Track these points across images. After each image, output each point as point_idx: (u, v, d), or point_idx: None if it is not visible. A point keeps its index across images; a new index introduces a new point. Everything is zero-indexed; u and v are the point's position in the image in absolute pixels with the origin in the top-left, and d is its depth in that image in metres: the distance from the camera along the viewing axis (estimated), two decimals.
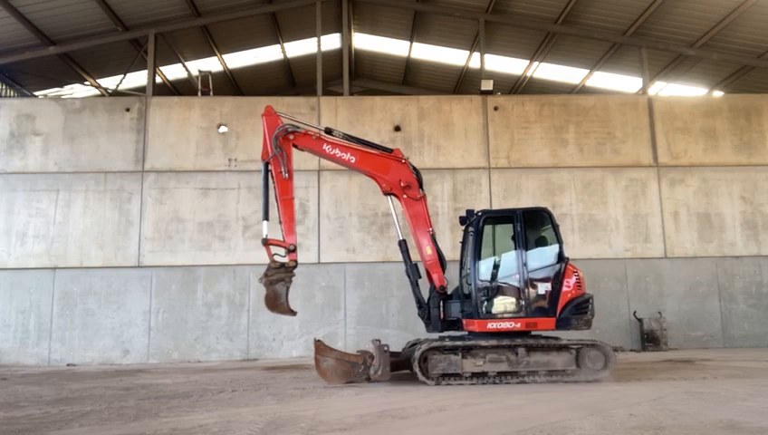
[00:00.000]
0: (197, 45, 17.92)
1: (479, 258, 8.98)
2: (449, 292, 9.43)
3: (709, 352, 13.24)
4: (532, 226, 9.12)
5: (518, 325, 8.67)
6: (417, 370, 8.34)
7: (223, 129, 15.09)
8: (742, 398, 6.76)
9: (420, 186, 9.49)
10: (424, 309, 9.35)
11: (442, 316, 9.22)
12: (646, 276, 15.03)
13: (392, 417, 6.06)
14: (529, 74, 19.62)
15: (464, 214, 10.02)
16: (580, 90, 19.76)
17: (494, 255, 9.36)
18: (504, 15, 16.50)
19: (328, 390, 8.24)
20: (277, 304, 8.79)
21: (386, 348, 8.70)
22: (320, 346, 8.93)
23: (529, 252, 8.87)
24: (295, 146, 9.32)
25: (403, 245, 9.54)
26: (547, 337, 8.74)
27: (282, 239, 8.84)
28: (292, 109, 15.18)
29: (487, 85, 15.64)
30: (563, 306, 8.63)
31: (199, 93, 16.97)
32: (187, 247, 14.49)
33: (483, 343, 8.46)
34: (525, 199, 14.92)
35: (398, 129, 15.32)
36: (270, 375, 10.42)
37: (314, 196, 14.86)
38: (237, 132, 15.10)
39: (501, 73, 19.31)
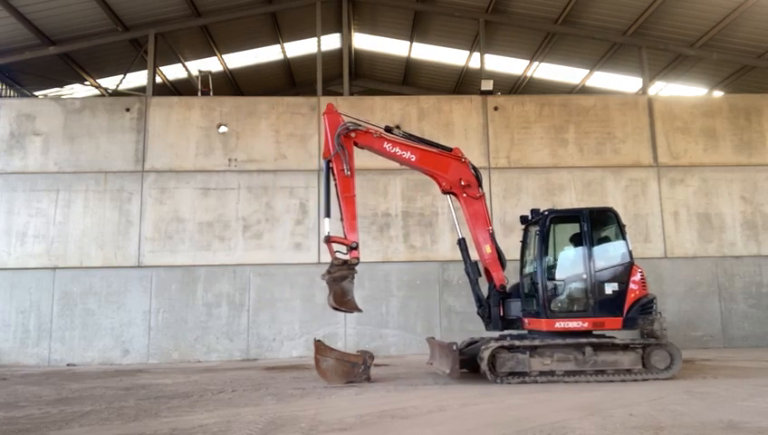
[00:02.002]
0: (197, 45, 17.91)
1: (546, 257, 9.00)
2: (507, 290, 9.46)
3: (709, 352, 13.22)
4: (596, 225, 9.15)
5: (585, 325, 8.71)
6: (485, 369, 8.29)
7: (223, 129, 15.08)
8: (742, 398, 6.76)
9: (480, 185, 9.57)
10: (484, 307, 9.39)
11: (502, 314, 9.27)
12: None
13: (392, 417, 6.06)
14: (529, 74, 19.61)
15: None
16: (580, 90, 19.75)
17: (554, 254, 9.37)
18: (504, 15, 16.50)
19: (328, 390, 8.23)
20: (344, 300, 8.94)
21: (455, 347, 8.63)
22: (320, 346, 8.94)
23: (596, 251, 8.88)
24: (356, 144, 9.45)
25: (462, 243, 9.64)
26: (611, 337, 8.74)
27: (343, 236, 9.00)
28: (293, 109, 15.23)
29: (487, 85, 15.63)
30: (630, 306, 8.71)
31: (199, 93, 16.97)
32: (187, 247, 14.49)
33: (555, 341, 8.45)
34: (525, 200, 14.91)
35: (398, 128, 15.26)
36: (270, 375, 10.41)
37: (314, 196, 14.84)
38: (237, 132, 15.09)
39: (501, 73, 19.30)
